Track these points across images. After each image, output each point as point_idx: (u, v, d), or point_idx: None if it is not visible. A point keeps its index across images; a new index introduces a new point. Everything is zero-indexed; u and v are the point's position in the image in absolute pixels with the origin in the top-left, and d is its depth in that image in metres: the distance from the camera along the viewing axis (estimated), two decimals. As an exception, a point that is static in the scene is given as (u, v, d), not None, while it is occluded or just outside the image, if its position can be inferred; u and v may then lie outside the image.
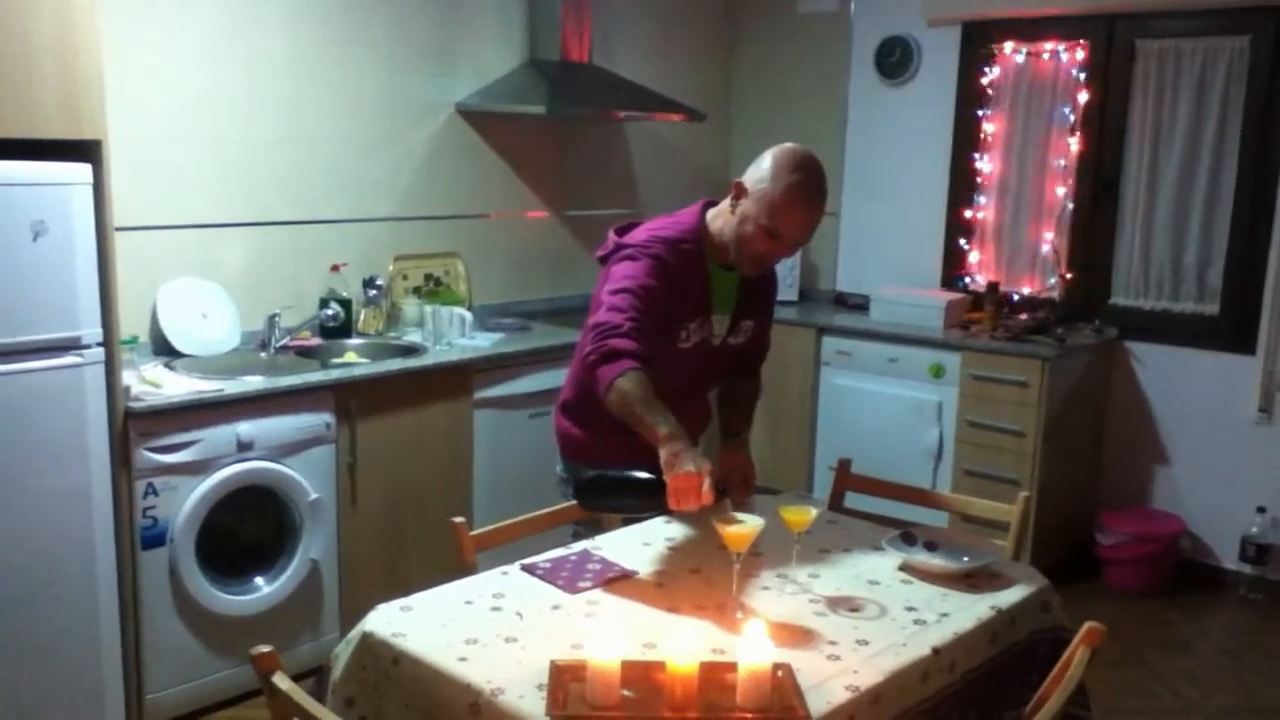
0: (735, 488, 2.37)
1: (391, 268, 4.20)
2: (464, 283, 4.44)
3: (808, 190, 2.32)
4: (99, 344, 2.87)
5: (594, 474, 2.21)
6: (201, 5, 3.58)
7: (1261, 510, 4.25)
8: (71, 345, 2.81)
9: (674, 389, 2.25)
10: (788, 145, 2.36)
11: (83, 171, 2.79)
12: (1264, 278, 4.23)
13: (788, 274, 5.15)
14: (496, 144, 4.53)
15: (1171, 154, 4.43)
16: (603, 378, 2.20)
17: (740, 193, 2.37)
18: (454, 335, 3.94)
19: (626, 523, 2.45)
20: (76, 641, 2.91)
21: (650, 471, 2.12)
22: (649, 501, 2.15)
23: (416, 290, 4.28)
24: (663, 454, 2.08)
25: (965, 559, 2.21)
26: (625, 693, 1.65)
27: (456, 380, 3.76)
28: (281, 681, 1.66)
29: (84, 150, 2.82)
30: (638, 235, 2.45)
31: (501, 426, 3.91)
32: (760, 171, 2.34)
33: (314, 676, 2.01)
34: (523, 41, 4.52)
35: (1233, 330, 4.35)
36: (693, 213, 2.49)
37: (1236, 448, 4.35)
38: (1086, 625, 1.88)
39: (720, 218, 2.45)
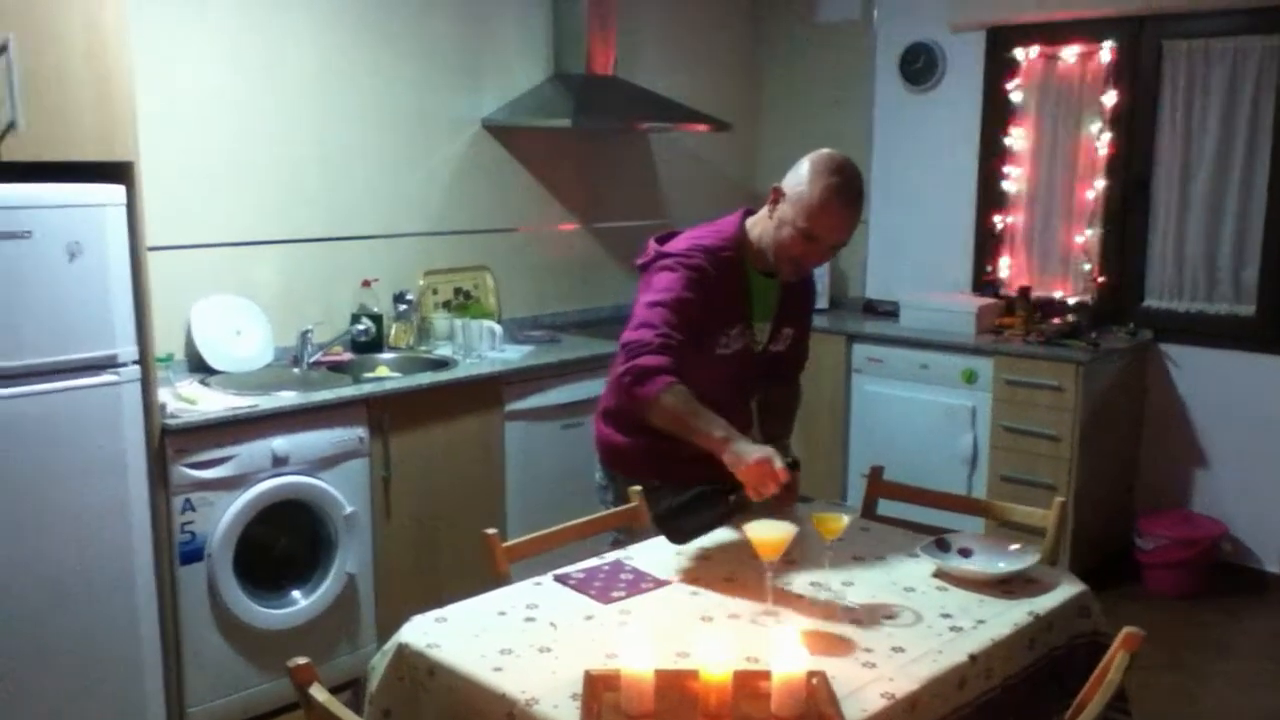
0: (779, 496, 2.37)
1: (422, 282, 4.23)
2: (493, 296, 4.46)
3: (844, 192, 2.34)
4: (135, 362, 2.91)
5: (666, 507, 2.22)
6: (231, 25, 3.63)
7: (1303, 513, 4.20)
8: (108, 364, 2.85)
9: (716, 397, 2.27)
10: (824, 150, 2.39)
11: (116, 193, 2.83)
12: (1301, 277, 4.18)
13: (818, 281, 5.12)
14: (524, 158, 4.56)
15: (1203, 154, 4.39)
16: (643, 397, 2.24)
17: (778, 197, 2.40)
18: (484, 348, 3.96)
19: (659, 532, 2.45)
20: (118, 656, 2.94)
21: (707, 482, 2.19)
22: (724, 510, 2.21)
23: (446, 304, 4.30)
24: (725, 457, 2.15)
25: (1001, 565, 2.19)
26: (656, 707, 1.64)
27: (487, 393, 3.78)
28: (319, 693, 1.67)
29: (117, 172, 2.87)
30: (678, 244, 2.47)
31: (532, 438, 3.92)
32: (798, 176, 2.36)
33: (351, 688, 2.03)
34: (548, 56, 4.54)
35: (1270, 331, 4.29)
36: (733, 221, 2.51)
37: (1276, 449, 4.29)
38: (1125, 630, 1.86)
39: (759, 224, 2.47)
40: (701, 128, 4.68)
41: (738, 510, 2.24)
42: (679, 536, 2.24)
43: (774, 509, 2.18)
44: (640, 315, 2.36)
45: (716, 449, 2.17)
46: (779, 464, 2.11)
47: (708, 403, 2.22)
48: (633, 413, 2.36)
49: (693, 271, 2.38)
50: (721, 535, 2.38)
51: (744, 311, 2.48)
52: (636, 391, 2.25)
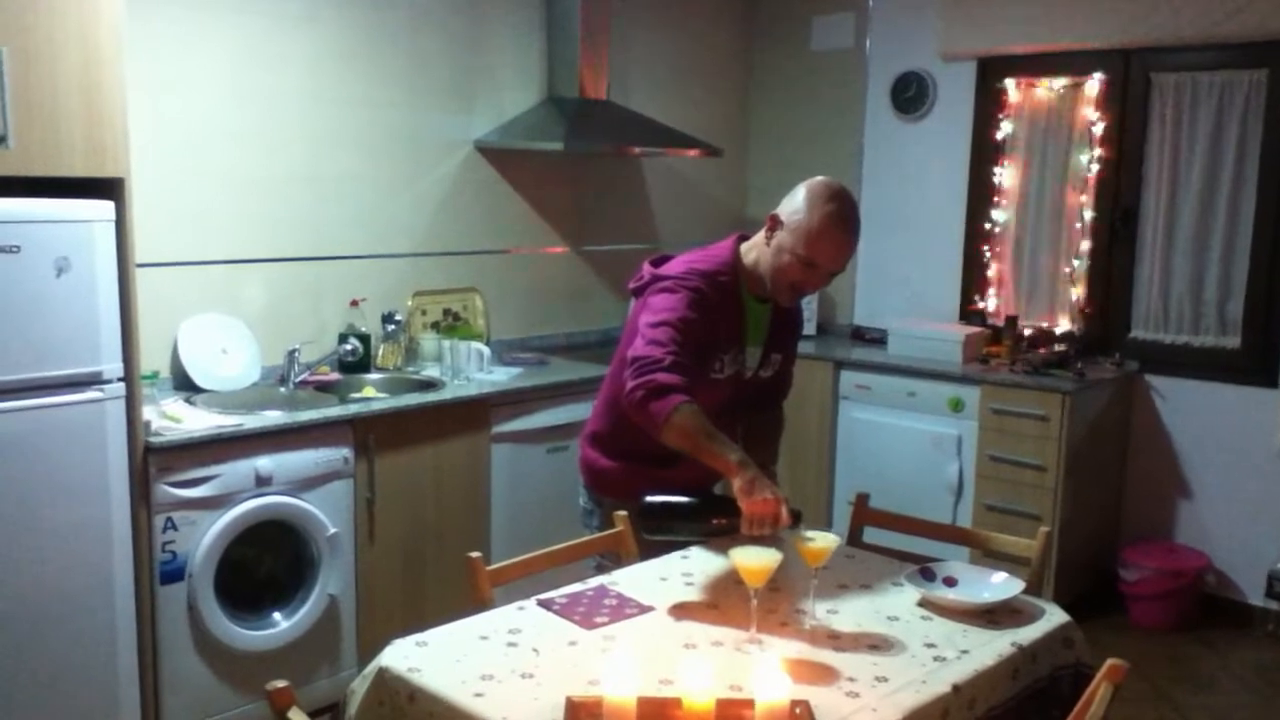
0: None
1: (410, 303, 4.22)
2: (482, 318, 4.46)
3: (842, 220, 2.37)
4: (120, 379, 2.89)
5: (654, 501, 2.23)
6: (224, 44, 3.64)
7: (1287, 545, 4.20)
8: (93, 380, 2.84)
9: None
10: (821, 178, 2.42)
11: (105, 209, 2.83)
12: (1285, 310, 4.21)
13: (805, 308, 5.13)
14: (515, 180, 4.57)
15: (1190, 187, 4.43)
16: (657, 414, 2.23)
17: (775, 225, 2.42)
18: (472, 370, 3.95)
19: (644, 557, 2.44)
20: (95, 676, 2.91)
21: (702, 500, 2.22)
22: (710, 525, 2.23)
23: (435, 325, 4.30)
24: (737, 482, 2.16)
25: (985, 595, 2.19)
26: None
27: (474, 415, 3.77)
28: (297, 717, 1.65)
29: (107, 188, 2.86)
30: (674, 267, 2.49)
31: (519, 461, 3.91)
32: (795, 203, 2.39)
33: (331, 712, 2.01)
34: (541, 79, 4.56)
35: (1254, 363, 4.32)
36: (727, 246, 2.53)
37: (1260, 482, 4.30)
38: (1109, 662, 1.86)
39: (754, 250, 2.49)
40: (693, 153, 4.71)
41: (720, 534, 2.25)
42: (651, 528, 2.24)
43: (756, 532, 2.18)
44: (647, 333, 2.35)
45: (730, 472, 2.18)
46: (785, 512, 2.13)
47: None
48: (622, 433, 2.35)
49: (693, 293, 2.40)
50: (707, 561, 2.38)
51: (739, 336, 2.49)
52: (651, 408, 2.23)
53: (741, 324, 2.50)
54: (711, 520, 2.22)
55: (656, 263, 2.55)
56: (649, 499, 2.24)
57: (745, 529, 2.13)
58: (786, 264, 2.39)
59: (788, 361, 2.69)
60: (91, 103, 2.80)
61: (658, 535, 2.27)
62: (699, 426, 2.22)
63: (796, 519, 2.17)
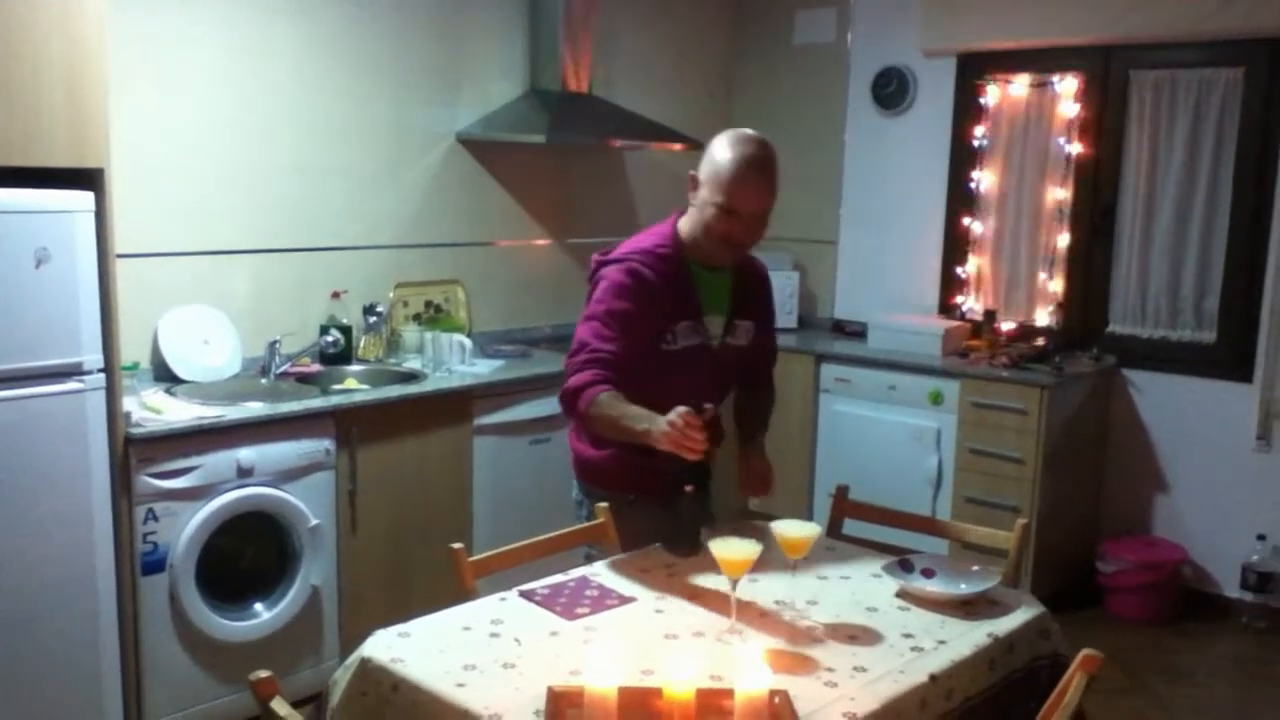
0: (755, 489, 2.54)
1: (392, 294, 4.22)
2: (464, 309, 4.46)
3: (754, 162, 2.39)
4: (100, 370, 2.88)
5: (675, 541, 2.38)
6: (208, 36, 3.62)
7: (1261, 538, 4.24)
8: (73, 371, 2.83)
9: (680, 396, 2.25)
10: (733, 129, 2.45)
11: (86, 199, 2.82)
12: (1260, 306, 4.25)
13: (786, 300, 5.17)
14: (498, 173, 4.57)
15: (1168, 183, 4.46)
16: (577, 417, 2.36)
17: (695, 183, 2.45)
18: (454, 362, 3.95)
19: (625, 549, 2.45)
20: (77, 667, 2.91)
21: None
22: (695, 510, 2.36)
23: (417, 317, 4.30)
24: (650, 441, 2.20)
25: (963, 586, 2.21)
26: None
27: (456, 407, 3.77)
28: (280, 707, 1.66)
29: (87, 178, 2.85)
30: (616, 252, 2.54)
31: (501, 453, 3.91)
32: (709, 156, 2.43)
33: (314, 703, 2.01)
34: (524, 72, 4.56)
35: (1230, 358, 4.36)
36: (668, 222, 2.57)
37: (1236, 475, 4.35)
38: (1083, 652, 1.88)
39: (688, 217, 2.51)
40: (676, 146, 4.71)
41: (700, 497, 2.35)
42: (691, 549, 2.35)
43: (749, 495, 2.36)
44: (576, 333, 2.45)
45: (645, 440, 2.21)
46: (681, 410, 2.15)
47: (674, 403, 2.21)
48: None
49: (624, 276, 2.43)
50: (688, 554, 2.38)
51: (691, 307, 2.49)
52: (575, 411, 2.34)
53: (693, 294, 2.49)
54: (683, 488, 2.29)
55: (605, 254, 2.58)
56: (670, 547, 2.39)
57: (690, 456, 2.15)
58: (710, 217, 2.41)
59: (763, 331, 2.68)
60: (74, 93, 2.79)
61: (699, 547, 2.33)
62: (613, 412, 2.28)
63: (713, 432, 2.24)
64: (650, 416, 2.22)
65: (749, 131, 2.43)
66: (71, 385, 2.83)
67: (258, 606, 3.32)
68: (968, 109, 4.90)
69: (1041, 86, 4.73)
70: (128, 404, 3.04)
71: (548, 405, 3.96)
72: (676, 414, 2.16)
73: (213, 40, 3.63)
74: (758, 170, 2.39)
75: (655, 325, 2.43)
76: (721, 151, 2.40)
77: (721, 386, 2.65)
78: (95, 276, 2.85)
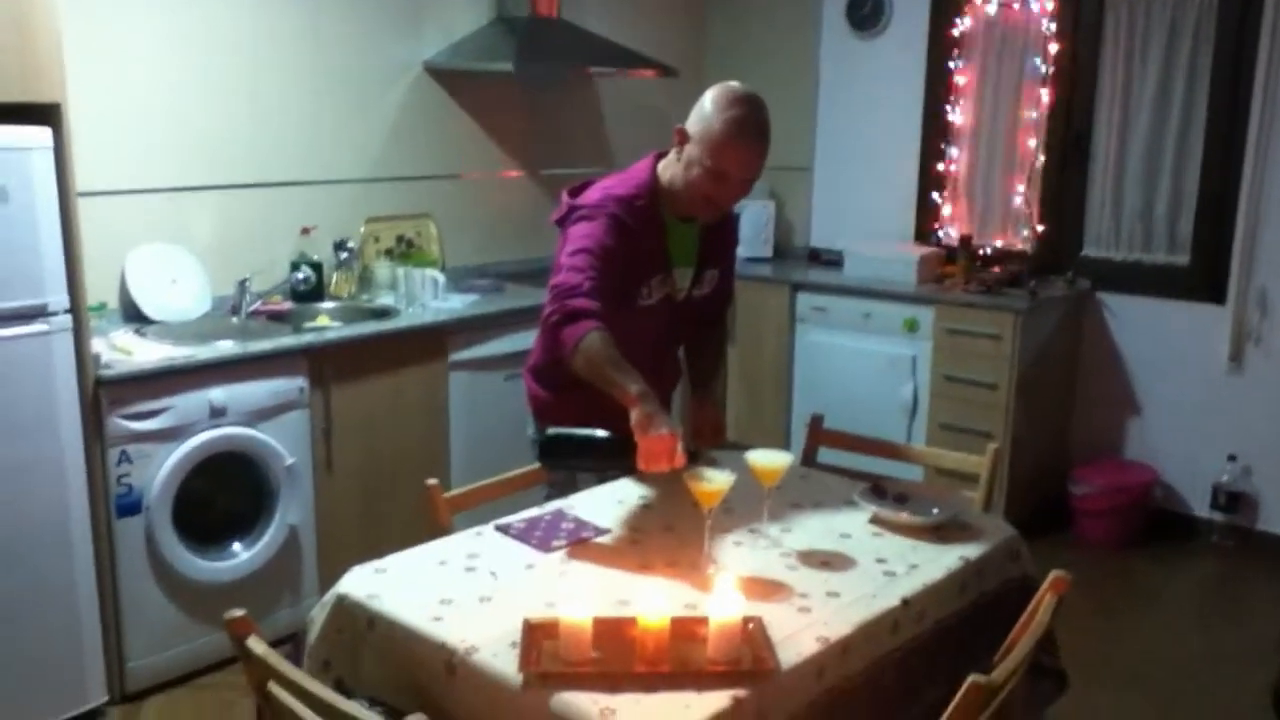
0: (705, 438, 2.46)
1: (363, 230, 4.17)
2: (436, 244, 4.42)
3: (748, 125, 2.29)
4: (66, 311, 2.84)
5: (554, 433, 2.21)
6: (161, -35, 3.52)
7: (1232, 458, 4.30)
8: (38, 313, 2.78)
9: (642, 349, 2.25)
10: (727, 83, 2.34)
11: (42, 135, 2.75)
12: (1233, 228, 4.25)
13: (762, 229, 5.15)
14: (467, 103, 4.49)
15: (1142, 105, 4.44)
16: (566, 340, 2.19)
17: (683, 139, 2.35)
18: (427, 297, 3.92)
19: (600, 481, 2.46)
20: (55, 612, 2.90)
21: (611, 431, 2.13)
22: (611, 462, 2.20)
23: (388, 252, 4.25)
24: (634, 415, 2.08)
25: (935, 511, 2.23)
26: (594, 654, 1.66)
27: (430, 343, 3.75)
28: (256, 645, 1.66)
29: (43, 114, 2.78)
30: (591, 195, 2.42)
31: (476, 388, 3.90)
32: (701, 113, 2.32)
33: (293, 641, 2.02)
34: (490, -3, 4.46)
35: (1203, 280, 4.38)
36: (644, 167, 2.46)
37: (1208, 397, 4.39)
38: (1053, 574, 1.90)
39: (670, 168, 2.42)
40: (648, 73, 4.63)
41: (618, 471, 2.29)
42: (549, 460, 2.26)
43: (701, 446, 2.25)
44: (566, 262, 2.30)
45: (630, 403, 2.08)
46: (680, 449, 2.05)
47: (635, 356, 2.17)
48: (559, 363, 2.30)
49: (609, 219, 2.34)
50: (662, 484, 2.38)
51: (663, 260, 2.44)
52: (563, 333, 2.20)
53: (664, 247, 2.43)
54: (609, 459, 2.19)
55: (574, 192, 2.47)
56: (550, 430, 2.22)
57: (640, 464, 2.06)
58: (696, 178, 2.32)
59: (725, 277, 2.62)
60: (23, 27, 2.70)
61: (556, 467, 2.29)
62: (606, 355, 2.14)
63: (692, 458, 2.12)
64: (646, 388, 2.10)
65: (744, 90, 2.31)
66: (37, 327, 2.78)
67: (236, 547, 3.32)
68: (942, 31, 4.84)
69: (1016, 6, 4.66)
70: (97, 345, 3.01)
71: (523, 340, 3.93)
72: (675, 434, 2.04)
73: (168, -30, 3.53)
74: (753, 135, 2.30)
75: (631, 277, 2.37)
76: (715, 111, 2.28)
77: (680, 338, 2.63)
78: (57, 215, 2.79)
